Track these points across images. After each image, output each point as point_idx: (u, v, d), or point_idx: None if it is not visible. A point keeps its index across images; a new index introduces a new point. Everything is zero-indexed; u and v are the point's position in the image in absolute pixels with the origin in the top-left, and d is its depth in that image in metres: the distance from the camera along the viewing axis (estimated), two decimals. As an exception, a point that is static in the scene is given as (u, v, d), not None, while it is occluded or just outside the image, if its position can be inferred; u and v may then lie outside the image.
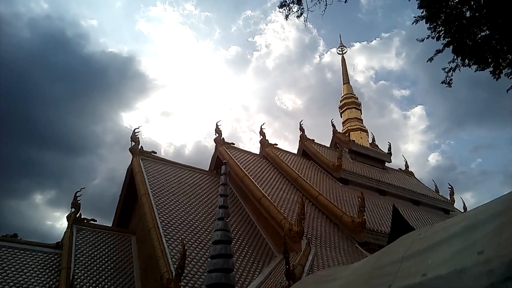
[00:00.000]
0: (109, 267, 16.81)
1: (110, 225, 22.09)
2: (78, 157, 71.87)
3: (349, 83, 38.52)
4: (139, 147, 23.09)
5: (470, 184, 74.86)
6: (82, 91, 67.83)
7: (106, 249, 18.11)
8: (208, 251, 11.17)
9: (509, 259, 2.33)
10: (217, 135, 26.11)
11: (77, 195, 19.56)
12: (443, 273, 2.79)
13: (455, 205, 28.90)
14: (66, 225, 18.53)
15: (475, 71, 9.73)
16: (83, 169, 69.63)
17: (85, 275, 15.66)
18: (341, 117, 36.57)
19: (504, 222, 2.70)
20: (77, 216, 19.12)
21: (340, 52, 39.69)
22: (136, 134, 23.46)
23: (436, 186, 31.12)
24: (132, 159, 22.18)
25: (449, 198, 29.43)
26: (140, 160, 21.83)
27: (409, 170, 33.49)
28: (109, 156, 74.71)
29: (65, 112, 64.83)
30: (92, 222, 19.73)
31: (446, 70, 10.05)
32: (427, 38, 9.83)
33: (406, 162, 34.24)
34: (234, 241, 16.10)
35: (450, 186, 30.38)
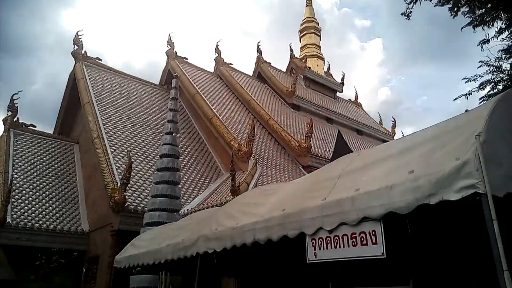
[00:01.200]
0: (50, 174, 16.44)
1: (52, 133, 21.15)
2: (15, 58, 65.92)
3: (311, 5, 37.25)
4: (83, 51, 21.38)
5: (413, 120, 79.69)
6: (17, -17, 60.01)
7: (47, 156, 17.54)
8: (155, 164, 11.20)
9: (436, 178, 2.47)
10: (169, 47, 24.68)
11: (14, 98, 18.21)
12: (374, 188, 2.94)
13: (395, 137, 30.84)
14: (2, 129, 17.50)
15: (434, 6, 9.68)
16: (21, 72, 64.46)
17: (24, 180, 15.24)
18: (300, 41, 35.93)
19: (436, 146, 2.83)
20: (14, 120, 18.00)
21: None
22: (80, 37, 21.51)
23: (380, 118, 32.75)
24: (75, 65, 20.65)
25: (390, 131, 31.27)
26: (84, 66, 20.40)
27: (358, 101, 34.65)
28: (50, 60, 69.29)
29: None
30: (31, 127, 18.74)
31: (408, 1, 9.90)
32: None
33: (356, 93, 35.28)
34: (182, 157, 16.20)
35: (393, 120, 32.10)
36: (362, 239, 3.03)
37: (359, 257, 3.09)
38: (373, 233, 2.94)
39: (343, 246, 3.20)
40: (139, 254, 6.79)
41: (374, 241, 2.94)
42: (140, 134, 17.63)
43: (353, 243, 3.11)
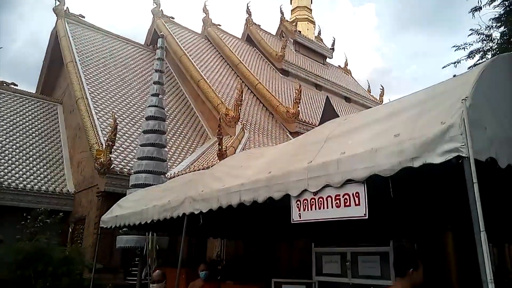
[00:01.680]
0: (34, 134, 16.16)
1: (34, 92, 20.57)
2: (-6, 13, 62.81)
3: (304, -34, 36.00)
4: (65, 8, 20.44)
5: (401, 89, 80.00)
6: None
7: (30, 116, 17.17)
8: (141, 126, 11.07)
9: (420, 141, 2.49)
10: (155, 5, 23.78)
11: (-7, 54, 17.55)
12: (359, 151, 2.97)
13: (381, 106, 30.89)
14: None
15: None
16: (0, 28, 61.67)
17: (7, 140, 14.96)
18: (291, 3, 34.97)
19: (422, 110, 2.85)
20: (-6, 78, 17.41)
21: None
22: (62, -10, 20.49)
23: (369, 86, 32.75)
24: (57, 21, 19.80)
25: (378, 99, 31.39)
26: (66, 24, 19.58)
27: (348, 68, 34.43)
28: (31, 16, 66.25)
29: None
30: (12, 86, 18.18)
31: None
32: None
33: (346, 60, 34.99)
34: (169, 121, 16.04)
35: (381, 88, 32.15)
36: (346, 200, 3.09)
37: (342, 218, 3.16)
38: (357, 195, 3.00)
39: (327, 207, 3.27)
40: (125, 215, 6.84)
41: (357, 202, 3.00)
42: (125, 96, 17.31)
43: (336, 205, 3.18)
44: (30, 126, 16.51)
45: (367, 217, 2.94)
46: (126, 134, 14.49)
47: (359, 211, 3.00)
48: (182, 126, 17.38)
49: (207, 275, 5.71)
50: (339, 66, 34.23)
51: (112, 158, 11.63)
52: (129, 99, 17.21)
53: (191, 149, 15.89)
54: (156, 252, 8.58)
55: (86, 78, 16.31)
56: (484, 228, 2.13)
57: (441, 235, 8.11)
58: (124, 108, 16.27)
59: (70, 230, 13.11)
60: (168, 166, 11.65)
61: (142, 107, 16.10)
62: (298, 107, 18.71)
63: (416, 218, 5.78)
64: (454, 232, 7.95)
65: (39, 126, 16.86)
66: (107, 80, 17.58)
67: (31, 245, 8.57)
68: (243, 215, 8.18)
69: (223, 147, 13.42)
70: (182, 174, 11.93)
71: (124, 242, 8.89)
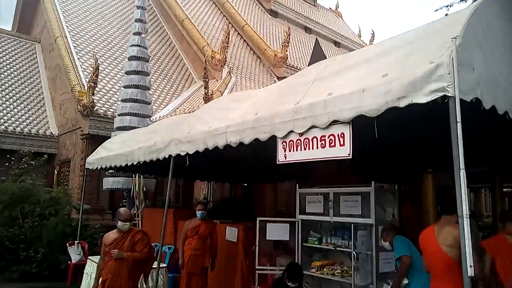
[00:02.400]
0: (12, 74, 15.54)
1: (10, 30, 19.47)
2: None
3: None
4: None
5: (393, 34, 78.22)
6: None
7: (7, 56, 16.39)
8: (123, 67, 10.71)
9: (408, 81, 2.47)
10: None
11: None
12: (346, 92, 2.95)
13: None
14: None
15: None
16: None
17: (-16, 81, 14.38)
18: None
19: (412, 50, 2.79)
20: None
21: None
22: None
23: (359, 31, 31.96)
24: (29, -48, 18.28)
25: (368, 44, 30.83)
26: (40, -46, 18.10)
27: (339, 11, 33.31)
28: None
29: None
30: (-15, 23, 17.13)
31: None
32: None
33: (338, 2, 33.72)
34: (153, 62, 15.54)
35: (372, 33, 31.41)
36: (331, 141, 3.12)
37: (326, 158, 3.21)
38: (342, 135, 3.03)
39: (312, 148, 3.30)
40: (110, 156, 6.83)
41: (342, 143, 3.03)
42: (107, 35, 16.55)
43: (321, 145, 3.21)
44: (8, 66, 15.82)
45: (351, 157, 2.98)
46: (109, 76, 14.05)
47: (344, 151, 3.04)
48: (166, 69, 16.91)
49: (204, 215, 5.87)
50: (330, 8, 33.09)
51: (95, 100, 11.34)
52: (110, 38, 16.48)
53: (177, 93, 15.60)
54: (143, 193, 8.73)
55: (64, 15, 15.43)
56: (464, 167, 2.19)
57: (421, 178, 8.41)
58: (105, 48, 15.63)
59: (56, 172, 13.12)
60: (153, 110, 11.49)
61: (124, 47, 15.45)
62: (287, 51, 18.28)
63: (398, 160, 5.93)
64: (434, 175, 8.24)
65: (17, 66, 16.15)
66: (87, 18, 16.69)
67: (16, 186, 8.57)
68: (229, 158, 8.28)
69: (209, 91, 13.22)
70: (167, 118, 11.80)
71: (111, 184, 8.98)
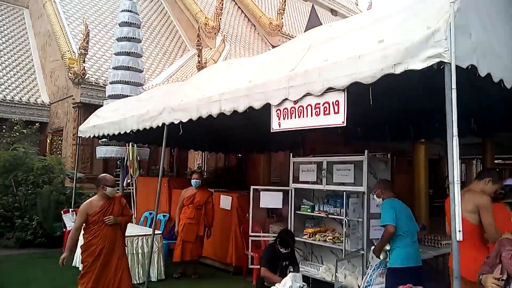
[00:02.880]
0: (0, 41, 15.08)
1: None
2: None
3: None
4: None
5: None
6: None
7: (-6, 21, 15.86)
8: (114, 34, 10.42)
9: (404, 46, 2.43)
10: None
11: None
12: (342, 58, 2.90)
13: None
14: None
15: None
16: None
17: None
18: None
19: (410, 15, 2.73)
20: None
21: None
22: None
23: (356, -2, 31.30)
24: None
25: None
26: None
27: (335, -22, 32.42)
28: None
29: None
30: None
31: None
32: None
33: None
34: (144, 29, 15.14)
35: (369, 1, 30.76)
36: (325, 109, 3.10)
37: (321, 126, 3.20)
38: (336, 103, 3.01)
39: (306, 116, 3.28)
40: (103, 124, 6.77)
41: (336, 110, 3.02)
42: (96, 0, 16.02)
43: (316, 113, 3.19)
44: (-4, 32, 15.35)
45: (345, 125, 2.98)
46: (100, 42, 13.71)
47: (338, 119, 3.03)
48: (158, 36, 16.52)
49: (199, 183, 5.90)
50: (327, -25, 32.13)
51: (86, 68, 11.11)
52: (101, 3, 15.97)
53: (169, 61, 15.32)
54: (137, 162, 8.72)
55: (51, -22, 14.82)
56: (457, 134, 2.19)
57: (414, 148, 8.50)
58: (96, 14, 15.17)
59: (48, 141, 13.03)
60: (145, 78, 11.30)
61: (115, 13, 14.97)
62: (282, 18, 17.91)
63: (391, 130, 5.96)
64: (426, 145, 8.32)
65: (5, 32, 15.65)
66: (75, -18, 16.06)
67: (9, 154, 8.51)
68: (223, 127, 8.25)
69: (203, 59, 13.00)
70: (160, 86, 11.64)
71: (104, 152, 8.94)
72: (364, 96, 3.01)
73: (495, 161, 11.14)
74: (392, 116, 5.61)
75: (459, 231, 2.17)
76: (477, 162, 21.93)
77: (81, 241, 4.31)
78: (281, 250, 4.17)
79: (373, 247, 3.82)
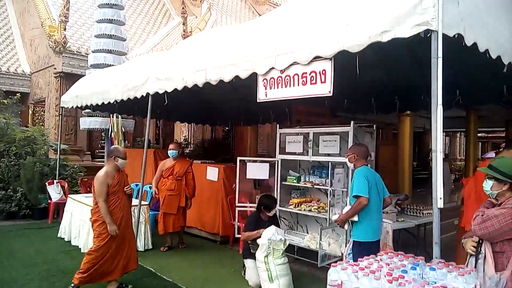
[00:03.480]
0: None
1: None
2: None
3: None
4: None
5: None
6: None
7: (-33, -14, 15.03)
8: (96, 0, 10.01)
9: (392, 14, 2.39)
10: None
11: None
12: (330, 26, 2.85)
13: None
14: None
15: None
16: None
17: None
18: None
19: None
20: None
21: None
22: None
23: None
24: None
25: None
26: None
27: None
28: None
29: None
30: None
31: None
32: None
33: None
34: (127, -4, 14.59)
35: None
36: (312, 78, 3.08)
37: (307, 96, 3.18)
38: (323, 72, 2.98)
39: (293, 86, 3.26)
40: (86, 94, 6.61)
41: (323, 80, 3.00)
42: (77, -35, 15.27)
43: (303, 82, 3.17)
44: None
45: (331, 94, 2.96)
46: (81, 10, 13.20)
47: (325, 88, 3.01)
48: (142, 3, 15.97)
49: (177, 154, 5.83)
50: None
51: (67, 36, 10.72)
52: (80, -31, 15.23)
53: (153, 30, 14.89)
54: (122, 134, 8.61)
55: None
56: (441, 102, 2.20)
57: (399, 120, 8.59)
58: (76, -20, 14.49)
59: (31, 112, 12.71)
60: (129, 47, 10.99)
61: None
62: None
63: (377, 102, 5.98)
64: (411, 117, 8.41)
65: (-21, -3, 14.91)
66: None
67: (-11, 126, 8.29)
68: (209, 98, 8.16)
69: (188, 28, 12.68)
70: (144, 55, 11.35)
71: (88, 124, 8.78)
72: (351, 66, 2.99)
73: (478, 134, 11.41)
74: (378, 88, 5.62)
75: (440, 198, 2.22)
76: (460, 135, 22.41)
77: (87, 216, 4.32)
78: (268, 214, 4.31)
79: (336, 216, 3.66)
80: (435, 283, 1.90)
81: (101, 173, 3.98)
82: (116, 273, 3.97)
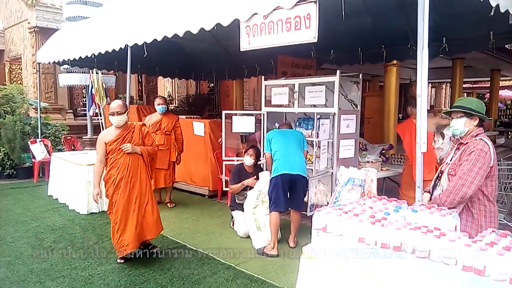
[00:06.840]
0: None
1: None
2: None
3: None
4: None
5: None
6: None
7: None
8: None
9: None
10: None
11: None
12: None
13: None
14: None
15: None
16: None
17: None
18: None
19: None
20: None
21: None
22: None
23: None
24: None
25: None
26: None
27: None
28: None
29: None
30: None
31: None
32: None
33: None
34: None
35: None
36: (297, 23, 2.96)
37: (291, 43, 3.08)
38: (308, 16, 2.86)
39: (277, 32, 3.14)
40: (63, 48, 6.33)
41: (308, 25, 2.88)
42: None
43: (287, 28, 3.05)
44: None
45: (316, 40, 2.86)
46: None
47: (310, 34, 2.90)
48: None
49: (165, 109, 5.70)
50: None
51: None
52: None
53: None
54: (103, 90, 8.37)
55: None
56: (427, 46, 2.14)
57: (386, 70, 8.51)
58: None
59: (7, 70, 12.20)
60: None
61: None
62: None
63: (364, 51, 5.87)
64: (398, 68, 8.34)
65: None
66: None
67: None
68: (192, 51, 7.90)
69: None
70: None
71: (67, 80, 8.49)
72: (337, 12, 2.87)
73: (463, 85, 11.45)
74: (365, 37, 5.49)
75: (424, 142, 2.22)
76: (446, 86, 22.54)
77: (73, 174, 4.14)
78: (259, 162, 4.59)
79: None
80: (417, 224, 1.93)
81: (102, 131, 3.79)
82: (132, 243, 3.54)
